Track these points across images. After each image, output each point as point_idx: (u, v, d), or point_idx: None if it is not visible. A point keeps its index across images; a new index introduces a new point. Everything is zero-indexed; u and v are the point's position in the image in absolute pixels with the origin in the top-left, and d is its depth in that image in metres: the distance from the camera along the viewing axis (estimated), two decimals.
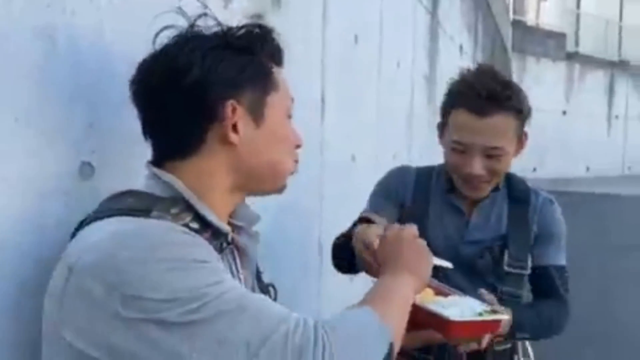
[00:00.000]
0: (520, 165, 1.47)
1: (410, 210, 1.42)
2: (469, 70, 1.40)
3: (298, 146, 0.92)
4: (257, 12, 0.87)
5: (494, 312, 1.03)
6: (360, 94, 2.61)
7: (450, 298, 1.03)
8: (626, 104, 18.16)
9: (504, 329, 1.20)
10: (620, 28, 18.72)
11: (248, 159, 0.83)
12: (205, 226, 0.79)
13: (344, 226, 1.46)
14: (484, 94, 1.29)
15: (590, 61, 16.98)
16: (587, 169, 16.66)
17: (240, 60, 0.82)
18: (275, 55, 0.87)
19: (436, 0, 4.39)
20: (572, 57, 16.62)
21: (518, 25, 14.84)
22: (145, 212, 0.74)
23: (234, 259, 0.87)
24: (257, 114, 0.83)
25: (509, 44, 12.58)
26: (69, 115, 0.87)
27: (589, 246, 6.34)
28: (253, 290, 0.92)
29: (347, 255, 1.26)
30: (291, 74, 0.93)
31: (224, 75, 0.80)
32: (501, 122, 1.30)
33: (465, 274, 1.33)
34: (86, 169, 0.89)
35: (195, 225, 0.78)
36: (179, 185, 0.80)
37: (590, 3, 17.69)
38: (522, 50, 14.87)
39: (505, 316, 1.05)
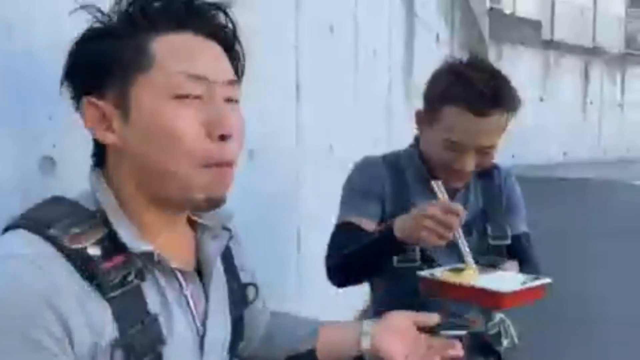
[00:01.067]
0: (498, 153, 1.48)
1: (394, 207, 1.37)
2: (461, 62, 1.32)
3: (222, 137, 0.69)
4: None
5: (536, 279, 1.13)
6: (337, 81, 2.58)
7: (492, 274, 1.14)
8: (601, 90, 18.41)
9: None
10: (595, 15, 18.93)
11: (135, 162, 0.70)
12: (118, 247, 0.67)
13: (322, 216, 1.43)
14: (489, 94, 1.22)
15: (565, 48, 17.16)
16: (564, 154, 16.87)
17: (99, 47, 0.69)
18: (163, 22, 0.71)
19: None
20: (547, 44, 16.77)
21: (494, 13, 14.91)
22: (44, 228, 0.64)
23: (177, 277, 0.73)
24: (123, 106, 0.69)
25: (485, 32, 12.64)
26: (28, 108, 0.83)
27: (566, 231, 6.42)
28: (207, 303, 0.77)
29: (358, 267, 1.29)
30: (261, 59, 0.89)
31: (82, 69, 0.70)
32: (500, 120, 1.27)
33: (459, 256, 1.30)
34: (47, 164, 0.85)
35: (96, 251, 0.65)
36: (100, 195, 0.70)
37: None
38: (499, 37, 14.94)
39: (547, 280, 1.12)
